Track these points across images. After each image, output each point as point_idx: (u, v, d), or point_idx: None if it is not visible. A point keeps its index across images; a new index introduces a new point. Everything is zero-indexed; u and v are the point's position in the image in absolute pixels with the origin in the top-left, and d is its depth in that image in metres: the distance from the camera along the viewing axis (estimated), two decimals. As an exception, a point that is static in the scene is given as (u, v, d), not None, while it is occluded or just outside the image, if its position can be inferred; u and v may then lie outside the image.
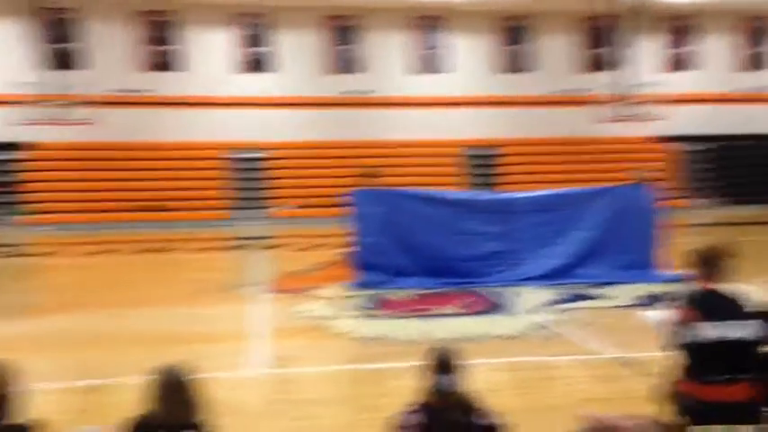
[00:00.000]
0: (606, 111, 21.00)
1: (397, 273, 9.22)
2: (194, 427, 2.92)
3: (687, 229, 13.87)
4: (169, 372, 2.99)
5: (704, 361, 3.31)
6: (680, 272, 4.85)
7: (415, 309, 8.06)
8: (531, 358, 6.20)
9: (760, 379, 3.31)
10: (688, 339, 3.33)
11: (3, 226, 17.82)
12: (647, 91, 20.91)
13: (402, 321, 7.48)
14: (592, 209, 9.61)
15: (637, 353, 5.93)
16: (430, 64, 21.80)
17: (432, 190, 11.43)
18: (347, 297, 8.66)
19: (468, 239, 9.43)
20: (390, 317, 7.71)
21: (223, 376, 5.48)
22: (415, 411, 3.00)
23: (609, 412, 3.88)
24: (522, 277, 9.22)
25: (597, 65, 22.32)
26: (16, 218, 18.24)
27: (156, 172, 19.47)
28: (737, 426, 3.28)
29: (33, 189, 18.71)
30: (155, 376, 2.96)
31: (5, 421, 2.80)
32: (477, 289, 8.91)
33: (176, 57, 20.57)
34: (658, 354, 3.58)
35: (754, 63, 23.14)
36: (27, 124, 18.41)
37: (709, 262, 3.47)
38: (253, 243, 14.97)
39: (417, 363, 3.12)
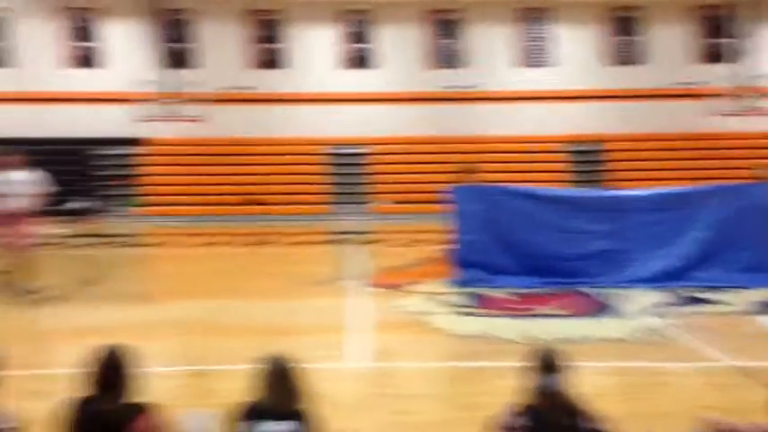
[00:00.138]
0: (723, 104, 19.87)
1: (498, 271, 9.04)
2: (298, 415, 2.97)
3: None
4: (275, 361, 3.05)
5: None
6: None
7: (517, 308, 7.89)
8: (640, 363, 5.93)
9: None
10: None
11: (120, 217, 18.91)
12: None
13: (502, 320, 7.34)
14: (708, 208, 9.07)
15: (755, 361, 5.56)
16: (534, 57, 21.32)
17: (535, 187, 11.16)
18: (446, 294, 8.59)
19: (574, 238, 9.08)
20: (490, 315, 7.59)
21: (322, 368, 5.55)
22: (517, 413, 2.92)
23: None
24: (632, 278, 8.80)
25: (713, 56, 21.12)
26: (132, 209, 19.30)
27: (261, 167, 20.05)
28: None
29: (148, 182, 19.74)
30: (261, 365, 3.02)
31: (124, 400, 2.96)
32: (583, 289, 8.60)
33: (282, 54, 21.12)
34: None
35: None
36: (144, 121, 19.45)
37: None
38: (352, 238, 15.15)
39: (519, 363, 3.04)
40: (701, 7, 20.84)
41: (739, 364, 5.73)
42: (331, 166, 20.51)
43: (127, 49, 20.44)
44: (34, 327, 7.97)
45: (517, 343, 6.25)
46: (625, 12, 21.20)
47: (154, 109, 19.49)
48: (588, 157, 20.57)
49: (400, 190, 19.40)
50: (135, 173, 19.99)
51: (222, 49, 20.75)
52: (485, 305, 8.04)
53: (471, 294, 8.48)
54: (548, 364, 2.94)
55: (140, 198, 19.56)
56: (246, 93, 20.62)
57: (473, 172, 10.16)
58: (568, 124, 20.81)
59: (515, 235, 9.17)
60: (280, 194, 19.45)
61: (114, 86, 19.98)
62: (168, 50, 20.62)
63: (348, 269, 10.95)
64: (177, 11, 20.59)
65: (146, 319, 7.79)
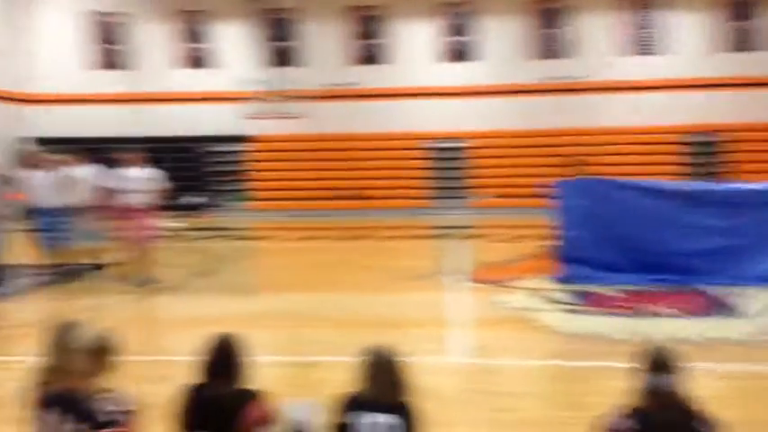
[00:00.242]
0: None
1: (605, 267, 8.70)
2: (400, 408, 2.98)
3: None
4: (379, 352, 3.07)
5: None
6: None
7: (625, 306, 7.60)
8: (762, 367, 5.58)
9: None
10: None
11: (230, 211, 19.69)
12: None
13: (610, 318, 7.09)
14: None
15: None
16: (644, 45, 20.42)
17: (645, 180, 10.70)
18: (550, 290, 8.39)
19: (689, 233, 8.60)
20: (597, 313, 7.35)
21: (424, 362, 5.56)
22: (625, 415, 2.81)
23: None
24: (749, 276, 8.27)
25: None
26: (241, 204, 20.04)
27: (363, 162, 20.30)
28: None
29: (256, 178, 20.42)
30: (365, 356, 3.05)
31: (237, 386, 3.06)
32: (697, 287, 8.17)
33: (383, 50, 21.28)
34: None
35: None
36: (252, 118, 20.15)
37: None
38: (452, 232, 15.09)
39: (628, 363, 2.93)
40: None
41: None
42: (432, 161, 20.50)
43: (235, 50, 21.20)
44: (152, 315, 8.44)
45: (626, 342, 6.03)
46: (742, -5, 19.97)
47: (261, 107, 20.15)
48: (703, 149, 19.53)
49: (501, 184, 19.14)
50: (243, 169, 20.74)
51: (324, 47, 21.14)
52: (591, 303, 7.80)
53: (576, 291, 8.24)
54: (659, 363, 2.81)
55: (248, 193, 20.28)
56: (348, 89, 20.93)
57: (581, 165, 9.87)
58: (681, 114, 19.79)
59: (623, 230, 8.82)
60: (381, 189, 19.64)
61: (224, 86, 20.77)
62: (274, 49, 21.25)
63: (448, 264, 10.92)
64: (281, 10, 21.16)
65: (254, 309, 8.07)
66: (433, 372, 5.41)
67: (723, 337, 6.30)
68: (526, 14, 20.78)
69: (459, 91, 20.68)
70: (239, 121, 20.28)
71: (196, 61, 21.48)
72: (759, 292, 7.86)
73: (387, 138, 20.70)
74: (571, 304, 7.75)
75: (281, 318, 7.61)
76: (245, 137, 20.81)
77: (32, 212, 10.23)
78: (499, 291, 8.50)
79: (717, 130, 19.60)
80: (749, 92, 19.63)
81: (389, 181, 19.88)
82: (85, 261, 10.25)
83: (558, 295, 8.12)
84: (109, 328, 2.96)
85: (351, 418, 2.98)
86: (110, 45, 21.39)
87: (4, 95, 19.76)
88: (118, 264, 10.04)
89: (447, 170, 20.27)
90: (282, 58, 21.24)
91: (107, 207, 9.64)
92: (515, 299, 8.04)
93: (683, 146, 19.64)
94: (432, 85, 20.78)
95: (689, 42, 20.12)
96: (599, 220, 8.88)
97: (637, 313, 7.26)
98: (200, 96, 20.95)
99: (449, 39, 21.07)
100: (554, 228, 9.22)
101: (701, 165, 19.01)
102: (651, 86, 20.02)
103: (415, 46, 21.09)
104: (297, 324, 7.33)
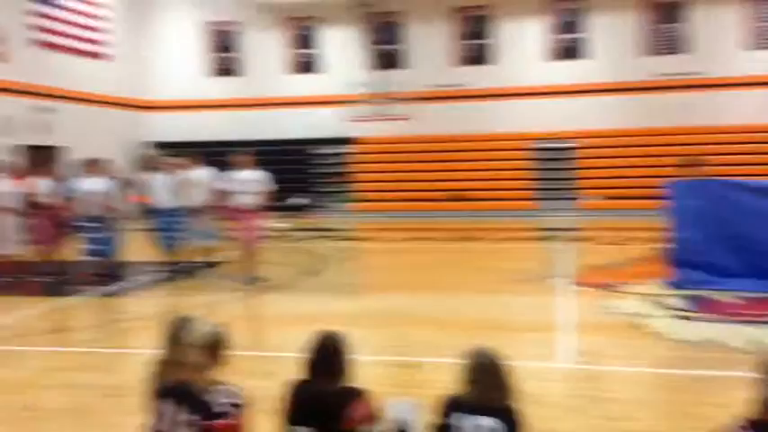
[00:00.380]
0: None
1: (723, 272, 8.23)
2: (503, 411, 2.94)
3: None
4: (483, 355, 3.04)
5: None
6: None
7: (744, 313, 7.15)
8: None
9: None
10: None
11: (334, 212, 20.09)
12: None
13: (727, 326, 6.69)
14: None
15: None
16: (765, 39, 19.20)
17: (764, 180, 10.05)
18: (662, 296, 8.03)
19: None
20: (715, 320, 6.96)
21: (529, 366, 5.46)
22: (743, 427, 2.66)
23: None
24: None
25: None
26: (345, 205, 20.39)
27: (468, 163, 20.18)
28: None
29: (360, 179, 20.73)
30: (469, 358, 3.04)
31: (341, 384, 3.12)
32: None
33: (488, 50, 21.08)
34: None
35: None
36: (357, 121, 20.47)
37: None
38: (560, 234, 14.73)
39: (746, 372, 2.76)
40: None
41: None
42: (539, 161, 20.11)
43: (341, 54, 21.63)
44: (259, 312, 8.75)
45: (743, 351, 5.69)
46: None
47: (365, 109, 20.44)
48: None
49: (610, 185, 18.51)
50: (347, 170, 21.10)
51: (429, 48, 21.19)
52: (706, 309, 7.40)
53: (690, 297, 7.85)
54: (782, 375, 2.64)
55: (353, 194, 20.61)
56: (453, 90, 20.87)
57: (697, 165, 9.36)
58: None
59: (742, 233, 8.31)
60: (486, 190, 19.46)
61: (330, 89, 21.23)
62: (379, 52, 21.51)
63: (556, 266, 10.68)
64: (386, 14, 21.38)
65: (358, 308, 8.20)
66: (540, 376, 5.31)
67: None
68: (639, 10, 20.00)
69: (567, 89, 20.19)
70: (344, 123, 20.66)
71: (304, 66, 22.08)
72: None
73: (493, 138, 20.49)
74: (684, 310, 7.38)
75: (386, 317, 7.69)
76: (350, 139, 21.16)
77: (152, 213, 10.87)
78: (609, 295, 8.23)
79: None
80: None
81: (495, 182, 19.66)
82: (199, 259, 10.77)
83: (671, 301, 7.76)
84: (221, 324, 3.08)
85: (453, 419, 2.96)
86: (223, 53, 22.37)
87: (126, 102, 21.05)
88: (229, 262, 10.48)
89: (554, 171, 19.82)
90: (388, 60, 21.47)
91: (221, 208, 10.10)
92: (625, 304, 7.75)
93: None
94: (539, 84, 20.40)
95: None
96: (716, 222, 8.41)
97: (754, 321, 6.83)
98: (307, 100, 21.49)
99: (558, 36, 20.60)
100: (666, 230, 8.82)
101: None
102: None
103: (522, 45, 20.76)
104: (401, 324, 7.38)
